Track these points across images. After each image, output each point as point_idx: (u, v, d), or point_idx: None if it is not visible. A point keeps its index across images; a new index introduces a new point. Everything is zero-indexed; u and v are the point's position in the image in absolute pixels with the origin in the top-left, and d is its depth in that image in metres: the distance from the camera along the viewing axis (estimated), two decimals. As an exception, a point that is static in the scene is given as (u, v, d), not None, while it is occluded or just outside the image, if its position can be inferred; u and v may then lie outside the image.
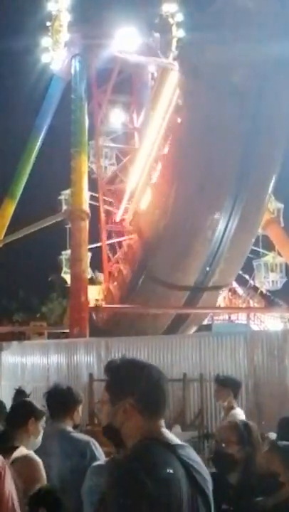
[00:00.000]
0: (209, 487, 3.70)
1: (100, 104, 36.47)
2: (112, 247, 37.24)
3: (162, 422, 3.68)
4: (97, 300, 32.95)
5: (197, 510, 3.52)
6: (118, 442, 3.57)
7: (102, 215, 35.35)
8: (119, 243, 36.59)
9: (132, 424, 3.54)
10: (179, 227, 28.72)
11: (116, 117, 38.17)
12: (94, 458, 5.82)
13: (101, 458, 5.74)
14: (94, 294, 33.65)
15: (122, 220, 35.35)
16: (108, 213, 36.61)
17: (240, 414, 8.90)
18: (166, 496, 2.98)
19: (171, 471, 3.03)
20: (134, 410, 3.61)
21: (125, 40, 34.00)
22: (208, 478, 3.74)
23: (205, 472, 3.73)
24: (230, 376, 11.01)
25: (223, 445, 5.19)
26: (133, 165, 35.66)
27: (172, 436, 3.70)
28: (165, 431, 3.70)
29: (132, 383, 3.70)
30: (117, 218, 35.69)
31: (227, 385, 9.42)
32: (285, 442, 4.97)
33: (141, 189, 34.32)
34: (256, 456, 4.92)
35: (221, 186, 28.06)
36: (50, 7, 36.04)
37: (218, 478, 5.14)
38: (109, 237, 36.45)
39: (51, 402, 6.36)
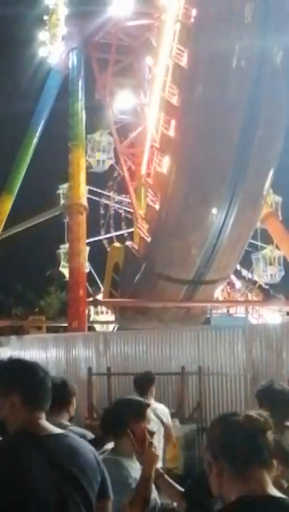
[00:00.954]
0: (88, 474, 3.85)
1: (105, 85, 36.16)
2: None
3: (42, 415, 3.88)
4: None
5: (67, 496, 3.67)
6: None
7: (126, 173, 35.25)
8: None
9: (14, 417, 3.79)
10: (177, 220, 28.79)
11: (124, 97, 37.69)
12: None
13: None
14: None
15: (148, 173, 34.69)
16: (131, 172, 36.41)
17: None
18: (23, 483, 3.06)
19: (29, 460, 3.11)
20: (18, 405, 3.83)
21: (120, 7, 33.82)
22: (88, 465, 3.89)
23: (82, 460, 3.87)
24: None
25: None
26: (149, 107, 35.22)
27: (49, 428, 3.90)
28: (43, 422, 3.88)
29: (16, 380, 3.94)
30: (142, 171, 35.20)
31: None
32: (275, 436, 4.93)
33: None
34: None
35: (219, 179, 28.12)
36: (48, 1, 36.06)
37: (196, 481, 5.17)
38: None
39: None
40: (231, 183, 28.00)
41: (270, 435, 3.04)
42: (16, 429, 3.75)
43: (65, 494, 3.69)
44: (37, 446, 3.64)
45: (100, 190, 37.67)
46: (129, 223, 39.62)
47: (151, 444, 4.89)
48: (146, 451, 4.82)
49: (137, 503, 4.71)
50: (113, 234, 38.80)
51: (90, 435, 6.26)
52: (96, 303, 31.22)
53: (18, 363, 4.17)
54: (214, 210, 28.63)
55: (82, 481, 3.82)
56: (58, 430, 4.00)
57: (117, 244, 38.14)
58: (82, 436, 5.91)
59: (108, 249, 39.38)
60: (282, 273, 40.14)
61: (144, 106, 36.97)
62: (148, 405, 5.48)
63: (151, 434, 5.04)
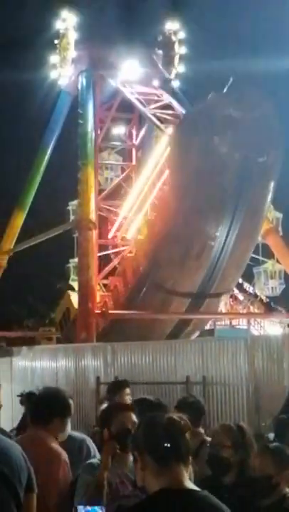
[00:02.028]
0: (14, 470, 4.20)
1: (103, 121, 36.44)
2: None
3: None
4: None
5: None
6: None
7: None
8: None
9: None
10: (181, 242, 28.90)
11: (117, 133, 38.19)
12: (89, 453, 6.12)
13: (96, 454, 6.02)
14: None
15: (114, 236, 35.42)
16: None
17: None
18: None
19: None
20: None
21: (128, 72, 34.32)
22: (17, 464, 4.26)
23: (12, 460, 4.25)
24: None
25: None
26: (127, 195, 35.94)
27: None
28: None
29: None
30: (110, 235, 35.81)
31: None
32: (276, 444, 4.98)
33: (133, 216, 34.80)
34: (249, 458, 4.95)
35: (218, 209, 28.27)
36: (58, 26, 36.25)
37: (213, 480, 5.18)
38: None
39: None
40: (231, 210, 28.23)
41: (188, 436, 3.26)
42: None
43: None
44: None
45: (108, 207, 37.56)
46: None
47: (110, 439, 5.02)
48: (105, 443, 5.01)
49: (93, 492, 4.84)
50: (121, 248, 38.71)
51: (88, 438, 6.42)
52: (105, 315, 31.14)
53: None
54: (215, 235, 28.82)
55: (12, 477, 4.17)
56: None
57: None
58: (82, 440, 6.01)
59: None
60: (283, 286, 40.20)
61: (133, 147, 37.59)
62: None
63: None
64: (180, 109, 34.87)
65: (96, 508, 4.32)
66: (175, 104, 35.19)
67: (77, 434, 6.38)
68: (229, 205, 28.05)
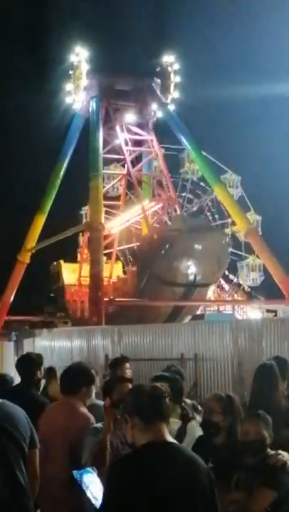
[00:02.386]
0: (19, 429, 4.49)
1: (107, 140, 36.43)
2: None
3: None
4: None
5: (7, 447, 4.34)
6: None
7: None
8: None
9: None
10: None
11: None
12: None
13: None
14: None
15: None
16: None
17: None
18: None
19: None
20: None
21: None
22: (21, 423, 4.54)
23: (16, 420, 4.52)
24: None
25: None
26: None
27: None
28: None
29: None
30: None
31: None
32: (261, 411, 4.98)
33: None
34: (237, 423, 4.95)
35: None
36: (72, 59, 36.27)
37: (205, 441, 5.19)
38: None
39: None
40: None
41: (168, 400, 3.48)
42: None
43: (5, 445, 4.32)
44: None
45: (114, 211, 37.55)
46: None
47: (111, 407, 4.99)
48: (107, 410, 4.98)
49: (97, 452, 4.87)
50: (126, 246, 38.69)
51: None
52: (111, 302, 31.13)
53: None
54: None
55: (16, 434, 4.40)
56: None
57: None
58: (99, 406, 6.00)
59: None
60: (262, 278, 40.17)
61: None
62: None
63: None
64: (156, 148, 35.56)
65: (88, 468, 4.43)
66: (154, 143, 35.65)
67: (99, 401, 6.34)
68: None
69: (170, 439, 3.39)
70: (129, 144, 35.77)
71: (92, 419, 5.49)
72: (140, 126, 36.46)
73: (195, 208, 43.98)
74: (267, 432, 4.62)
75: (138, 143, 36.95)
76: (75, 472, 4.45)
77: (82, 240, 38.77)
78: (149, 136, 36.46)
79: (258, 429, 4.60)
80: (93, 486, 4.24)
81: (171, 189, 36.50)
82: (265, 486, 4.30)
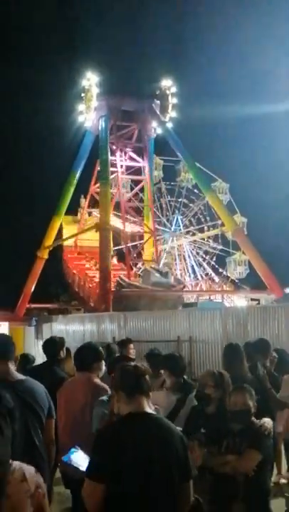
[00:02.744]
0: (38, 401, 4.50)
1: (114, 150, 36.44)
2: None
3: (10, 366, 4.49)
4: None
5: (27, 417, 4.33)
6: None
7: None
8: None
9: None
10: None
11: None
12: None
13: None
14: None
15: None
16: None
17: None
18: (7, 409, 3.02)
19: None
20: None
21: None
22: (40, 397, 4.54)
23: (37, 394, 4.53)
24: None
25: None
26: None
27: (17, 377, 4.54)
28: (13, 372, 4.52)
29: None
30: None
31: None
32: (246, 384, 4.98)
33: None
34: (226, 395, 4.95)
35: None
36: (84, 83, 36.26)
37: (198, 410, 5.19)
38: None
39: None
40: None
41: (147, 377, 3.55)
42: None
43: (26, 415, 4.31)
44: (8, 388, 4.05)
45: (120, 214, 37.58)
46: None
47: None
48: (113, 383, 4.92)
49: (107, 418, 4.80)
50: (130, 244, 38.63)
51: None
52: (117, 292, 31.10)
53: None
54: None
55: (35, 406, 4.45)
56: (22, 377, 4.59)
57: None
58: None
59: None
60: (247, 271, 40.11)
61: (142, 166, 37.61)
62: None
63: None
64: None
65: (72, 449, 4.45)
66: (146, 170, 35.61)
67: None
68: None
69: (149, 410, 3.45)
70: (124, 171, 36.12)
71: (108, 388, 5.49)
72: (137, 150, 36.77)
73: (191, 213, 43.98)
74: (252, 403, 4.62)
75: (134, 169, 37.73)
76: (63, 457, 4.47)
77: (85, 201, 38.72)
78: (143, 163, 36.71)
79: (244, 400, 4.60)
80: (82, 460, 4.22)
81: (152, 219, 36.82)
82: (253, 449, 4.30)
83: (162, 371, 7.26)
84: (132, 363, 3.76)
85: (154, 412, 3.50)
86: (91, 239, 36.73)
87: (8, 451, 2.55)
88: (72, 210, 39.53)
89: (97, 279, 32.42)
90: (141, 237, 37.92)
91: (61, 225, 38.71)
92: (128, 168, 37.49)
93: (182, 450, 3.33)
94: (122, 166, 36.40)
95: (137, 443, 3.21)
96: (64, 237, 38.44)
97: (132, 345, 8.61)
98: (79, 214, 40.17)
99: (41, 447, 4.43)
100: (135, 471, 3.13)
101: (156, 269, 30.26)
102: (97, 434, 3.67)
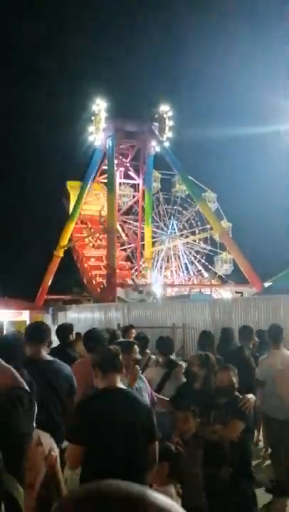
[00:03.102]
0: (59, 380, 4.42)
1: (118, 167, 36.45)
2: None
3: (41, 349, 4.48)
4: None
5: (48, 392, 4.24)
6: None
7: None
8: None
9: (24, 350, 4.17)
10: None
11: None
12: None
13: None
14: None
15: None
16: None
17: None
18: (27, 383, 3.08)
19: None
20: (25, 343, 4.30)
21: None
22: (63, 376, 4.48)
23: (60, 374, 4.48)
24: None
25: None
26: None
27: (46, 358, 4.52)
28: (43, 354, 4.51)
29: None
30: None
31: None
32: (229, 364, 4.99)
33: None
34: (211, 374, 4.96)
35: None
36: (94, 108, 36.24)
37: (187, 386, 5.21)
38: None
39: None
40: None
41: (120, 358, 3.62)
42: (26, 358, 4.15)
43: (47, 391, 4.24)
44: (34, 367, 4.00)
45: (123, 218, 37.63)
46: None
47: (134, 365, 4.99)
48: (131, 370, 4.92)
49: None
50: (133, 245, 38.55)
51: None
52: (122, 285, 31.09)
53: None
54: None
55: (56, 384, 4.40)
56: (50, 358, 4.57)
57: None
58: None
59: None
60: (232, 268, 39.99)
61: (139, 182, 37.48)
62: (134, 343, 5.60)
63: (137, 361, 5.14)
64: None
65: None
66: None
67: None
68: None
69: (120, 385, 3.57)
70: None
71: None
72: (136, 168, 36.97)
73: (184, 218, 43.92)
74: (235, 379, 4.62)
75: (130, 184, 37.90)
76: None
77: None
78: (138, 180, 36.89)
79: (229, 378, 4.60)
80: None
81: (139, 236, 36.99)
82: (237, 419, 4.31)
83: (148, 350, 7.45)
84: (111, 347, 3.87)
85: (124, 387, 3.63)
86: (92, 209, 37.08)
87: (32, 426, 2.57)
88: (80, 176, 39.42)
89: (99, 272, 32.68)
90: (142, 239, 37.94)
91: (67, 190, 38.83)
92: (126, 183, 37.94)
93: (146, 417, 3.40)
94: (120, 184, 36.59)
95: (109, 412, 3.32)
96: (71, 201, 38.29)
97: (133, 331, 8.62)
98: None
99: (58, 419, 4.41)
100: (107, 434, 3.25)
101: (135, 286, 30.17)
102: (77, 404, 3.72)
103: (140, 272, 35.25)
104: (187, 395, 4.98)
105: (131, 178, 38.22)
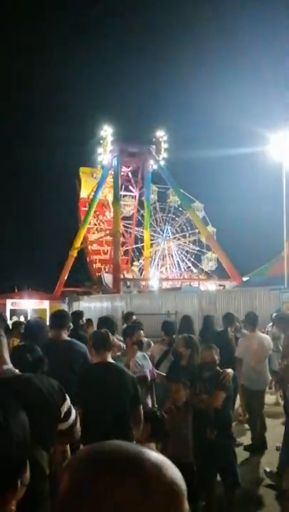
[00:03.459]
0: (74, 354, 4.29)
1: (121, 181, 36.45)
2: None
3: (61, 332, 4.40)
4: None
5: (59, 365, 3.76)
6: None
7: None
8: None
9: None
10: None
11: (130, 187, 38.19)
12: None
13: None
14: None
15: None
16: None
17: None
18: (36, 359, 3.15)
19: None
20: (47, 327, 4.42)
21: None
22: (73, 353, 4.31)
23: (74, 349, 4.39)
24: None
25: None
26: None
27: (65, 338, 4.41)
28: (63, 336, 4.41)
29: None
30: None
31: None
32: (212, 344, 4.98)
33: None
34: (195, 353, 4.97)
35: None
36: (102, 133, 36.17)
37: (175, 364, 5.23)
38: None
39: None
40: None
41: (112, 337, 3.65)
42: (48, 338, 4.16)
43: (65, 366, 4.05)
44: (56, 345, 4.17)
45: (126, 224, 37.56)
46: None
47: (132, 346, 5.06)
48: (128, 350, 5.03)
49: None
50: (135, 246, 38.51)
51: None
52: (125, 279, 31.09)
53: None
54: None
55: (72, 359, 4.25)
56: (68, 338, 4.52)
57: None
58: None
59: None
60: (216, 265, 39.86)
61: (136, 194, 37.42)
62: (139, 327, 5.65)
63: (141, 342, 5.17)
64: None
65: None
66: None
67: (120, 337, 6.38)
68: None
69: (111, 360, 3.61)
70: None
71: (121, 344, 5.50)
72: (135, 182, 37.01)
73: (177, 224, 43.91)
74: (216, 356, 4.63)
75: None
76: None
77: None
78: (136, 192, 37.07)
79: (212, 355, 4.61)
80: None
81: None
82: (219, 390, 4.31)
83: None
84: (102, 330, 3.90)
85: (113, 362, 3.69)
86: (102, 192, 36.60)
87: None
88: (89, 163, 39.24)
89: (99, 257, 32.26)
90: (142, 241, 37.90)
91: (79, 175, 38.70)
92: (125, 195, 38.03)
93: (132, 386, 3.44)
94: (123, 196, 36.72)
95: (100, 381, 3.41)
96: (82, 186, 37.77)
97: (133, 317, 8.66)
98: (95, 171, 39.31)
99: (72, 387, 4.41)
100: (98, 399, 3.33)
101: (127, 281, 30.22)
102: (78, 374, 3.80)
103: (130, 268, 35.28)
104: (177, 370, 4.99)
105: (131, 191, 38.24)
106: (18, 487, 1.08)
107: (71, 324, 5.60)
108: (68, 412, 2.04)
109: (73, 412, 2.08)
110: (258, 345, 6.65)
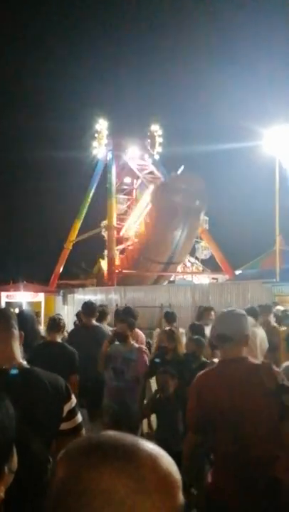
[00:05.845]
0: (100, 336, 5.25)
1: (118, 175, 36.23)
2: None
3: (92, 319, 5.49)
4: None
5: (94, 345, 5.18)
6: None
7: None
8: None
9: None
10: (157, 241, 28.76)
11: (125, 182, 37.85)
12: None
13: None
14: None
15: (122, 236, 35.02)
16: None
17: None
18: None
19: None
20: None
21: (132, 152, 34.26)
22: (100, 332, 5.34)
23: (99, 332, 5.48)
24: None
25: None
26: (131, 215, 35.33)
27: (94, 323, 5.51)
28: (93, 322, 5.64)
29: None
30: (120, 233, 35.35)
31: None
32: (196, 336, 5.05)
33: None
34: (178, 346, 5.02)
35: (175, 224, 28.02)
36: (97, 127, 35.97)
37: (162, 356, 5.30)
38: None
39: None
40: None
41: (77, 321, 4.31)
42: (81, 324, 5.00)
43: (93, 345, 5.16)
44: (89, 330, 5.19)
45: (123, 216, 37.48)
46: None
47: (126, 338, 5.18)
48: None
49: None
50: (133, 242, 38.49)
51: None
52: (120, 274, 31.11)
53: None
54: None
55: (100, 340, 5.10)
56: (96, 324, 5.62)
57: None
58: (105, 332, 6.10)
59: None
60: (210, 254, 39.73)
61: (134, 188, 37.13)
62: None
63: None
64: (158, 174, 34.79)
65: None
66: (155, 171, 35.11)
67: (106, 327, 6.59)
68: (181, 224, 28.04)
69: (59, 340, 4.56)
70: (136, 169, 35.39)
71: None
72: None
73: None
74: (199, 349, 4.68)
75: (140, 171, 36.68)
76: None
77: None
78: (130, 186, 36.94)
79: (193, 347, 4.66)
80: None
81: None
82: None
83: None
84: (55, 316, 4.98)
85: (60, 342, 4.60)
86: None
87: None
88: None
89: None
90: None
91: None
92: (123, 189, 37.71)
93: (70, 356, 4.45)
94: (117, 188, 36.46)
95: (50, 355, 4.22)
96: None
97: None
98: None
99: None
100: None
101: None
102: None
103: None
104: (163, 363, 5.06)
105: (126, 184, 37.80)
106: (6, 472, 1.06)
107: (97, 313, 6.05)
108: (71, 413, 1.96)
109: (79, 416, 1.99)
110: (251, 336, 6.73)
